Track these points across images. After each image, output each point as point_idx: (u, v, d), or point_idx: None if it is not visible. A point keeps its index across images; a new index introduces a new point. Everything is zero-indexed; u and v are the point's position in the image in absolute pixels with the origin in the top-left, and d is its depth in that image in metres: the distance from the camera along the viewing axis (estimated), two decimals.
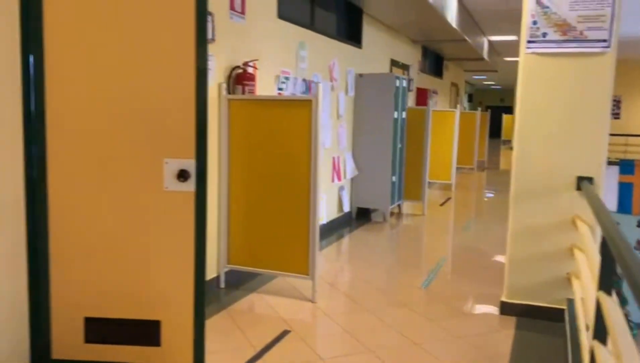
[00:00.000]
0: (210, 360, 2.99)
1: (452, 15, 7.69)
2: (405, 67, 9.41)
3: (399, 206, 7.56)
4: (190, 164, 2.62)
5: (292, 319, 3.64)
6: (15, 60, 2.52)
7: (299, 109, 3.89)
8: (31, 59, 2.54)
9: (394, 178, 6.97)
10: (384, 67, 8.23)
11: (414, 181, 7.59)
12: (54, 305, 2.70)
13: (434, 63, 12.23)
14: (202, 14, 2.53)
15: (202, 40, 2.54)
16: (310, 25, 5.69)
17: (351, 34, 6.98)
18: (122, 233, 2.66)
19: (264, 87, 4.75)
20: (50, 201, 2.63)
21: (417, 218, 7.37)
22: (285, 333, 3.42)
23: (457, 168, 11.95)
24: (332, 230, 6.39)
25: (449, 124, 9.39)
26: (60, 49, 2.55)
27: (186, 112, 2.59)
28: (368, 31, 7.39)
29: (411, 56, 9.85)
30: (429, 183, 9.79)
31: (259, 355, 3.10)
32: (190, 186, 2.63)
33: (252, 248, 4.13)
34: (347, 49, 6.65)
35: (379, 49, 7.94)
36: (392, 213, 7.49)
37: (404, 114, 7.14)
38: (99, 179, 2.63)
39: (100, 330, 2.70)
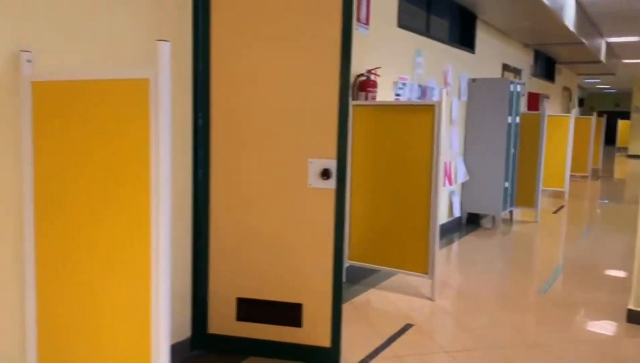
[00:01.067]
0: (342, 345, 3.24)
1: (569, 17, 7.49)
2: (517, 72, 9.25)
3: (510, 212, 7.47)
4: (332, 164, 2.89)
5: (413, 314, 3.82)
6: (186, 86, 2.92)
7: (422, 114, 4.07)
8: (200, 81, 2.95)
9: (506, 184, 6.91)
10: (496, 72, 8.17)
11: (527, 187, 7.46)
12: (211, 287, 3.08)
13: (546, 67, 11.84)
14: (347, 36, 2.80)
15: (346, 59, 2.81)
16: (426, 33, 5.85)
17: (464, 40, 7.03)
18: (271, 225, 2.99)
19: (383, 93, 4.98)
20: (211, 196, 3.02)
21: (529, 225, 7.24)
22: (408, 326, 3.60)
23: (570, 176, 11.47)
24: (443, 234, 6.47)
25: (563, 130, 9.08)
26: (223, 66, 2.93)
27: (329, 119, 2.87)
28: (481, 36, 7.40)
29: (523, 60, 9.66)
30: (542, 190, 9.51)
31: (387, 344, 3.31)
32: (331, 183, 2.90)
33: (372, 245, 4.36)
34: (460, 54, 6.72)
35: (491, 53, 7.90)
36: (502, 220, 7.42)
37: (517, 119, 7.07)
38: (253, 177, 2.98)
39: (250, 309, 3.05)
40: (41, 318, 2.21)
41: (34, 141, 2.14)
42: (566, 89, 14.21)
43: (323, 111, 2.88)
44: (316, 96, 2.87)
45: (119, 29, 2.51)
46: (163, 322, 1.85)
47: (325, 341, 2.99)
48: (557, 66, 12.71)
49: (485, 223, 7.20)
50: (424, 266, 4.15)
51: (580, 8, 8.04)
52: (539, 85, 11.04)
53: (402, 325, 3.62)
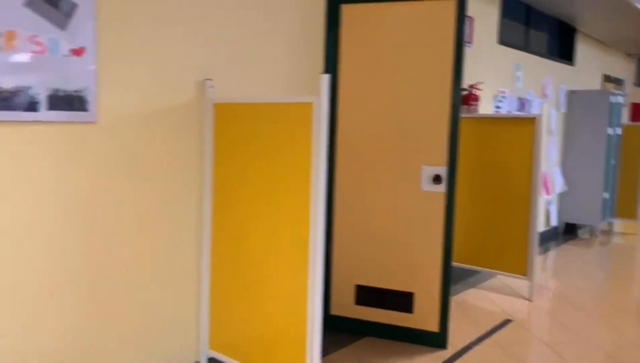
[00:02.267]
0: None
1: None
2: (618, 82, 9.12)
3: (609, 223, 7.44)
4: (442, 171, 3.31)
5: (511, 311, 4.12)
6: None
7: (523, 126, 4.38)
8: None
9: (605, 195, 6.93)
10: (595, 83, 8.15)
11: (628, 199, 7.40)
12: (334, 275, 3.59)
13: None
14: (459, 54, 3.21)
15: (457, 75, 3.23)
16: (525, 47, 6.09)
17: (563, 52, 7.15)
18: (387, 223, 3.45)
19: (483, 105, 5.30)
20: (335, 198, 3.54)
21: (630, 237, 7.18)
22: (507, 321, 3.92)
23: None
24: (539, 242, 6.62)
25: None
26: (348, 87, 3.45)
27: (441, 130, 3.29)
28: (580, 48, 7.47)
29: (625, 69, 9.48)
30: None
31: (487, 335, 3.66)
32: (442, 188, 3.32)
33: (473, 248, 4.70)
34: (559, 66, 6.86)
35: (591, 65, 7.92)
36: (602, 231, 7.40)
37: (618, 131, 7.06)
38: (372, 182, 3.46)
39: (367, 295, 3.53)
40: (213, 292, 2.82)
41: (214, 150, 2.75)
42: None
43: (436, 123, 3.31)
44: (429, 110, 3.31)
45: (275, 64, 3.09)
46: (317, 301, 2.36)
47: (434, 326, 3.41)
48: None
49: (583, 233, 7.23)
50: (523, 268, 4.43)
51: None
52: None
53: (501, 320, 3.94)
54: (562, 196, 7.13)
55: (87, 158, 2.34)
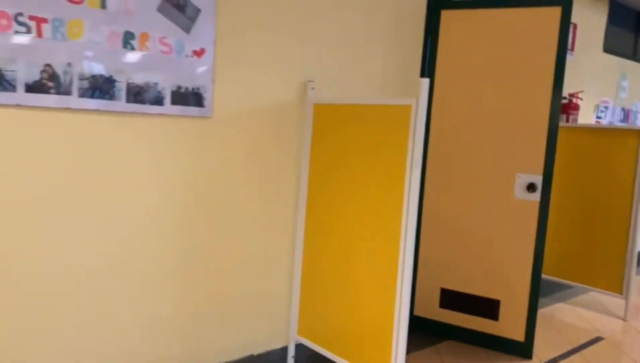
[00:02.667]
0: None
1: None
2: None
3: None
4: (538, 179, 3.27)
5: (603, 329, 3.97)
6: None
7: (626, 138, 4.20)
8: None
9: None
10: None
11: None
12: (419, 277, 3.65)
13: None
14: (560, 62, 3.17)
15: (558, 84, 3.18)
16: (633, 56, 5.79)
17: None
18: (477, 228, 3.46)
19: (584, 115, 5.12)
20: (424, 201, 3.59)
21: None
22: (598, 339, 3.78)
23: None
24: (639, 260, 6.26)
25: None
26: (442, 92, 3.49)
27: (538, 138, 3.26)
28: None
29: None
30: None
31: (575, 350, 3.56)
32: (536, 196, 3.28)
33: (564, 261, 4.56)
34: None
35: None
36: None
37: None
38: (463, 187, 3.48)
39: (452, 299, 3.55)
40: (305, 282, 2.98)
41: (311, 147, 2.91)
42: None
43: (533, 130, 3.28)
44: (527, 117, 3.28)
45: (373, 67, 3.21)
46: (405, 301, 2.45)
47: (519, 335, 3.37)
48: None
49: None
50: (619, 286, 4.25)
51: None
52: None
53: (591, 337, 3.81)
54: None
55: (202, 149, 2.58)
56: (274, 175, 2.87)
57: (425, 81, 2.33)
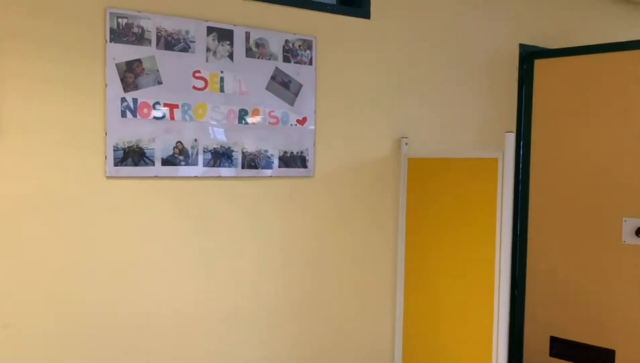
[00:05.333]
0: None
1: None
2: None
3: None
4: None
5: None
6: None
7: None
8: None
9: None
10: None
11: None
12: (527, 325, 3.61)
13: None
14: None
15: None
16: None
17: None
18: (585, 274, 3.39)
19: None
20: (529, 248, 3.59)
21: None
22: None
23: None
24: None
25: None
26: (542, 139, 3.53)
27: None
28: None
29: None
30: None
31: None
32: None
33: None
34: None
35: None
36: None
37: None
38: (569, 233, 3.45)
39: (563, 348, 3.47)
40: (406, 330, 3.12)
41: (407, 200, 3.10)
42: None
43: (637, 171, 3.20)
44: (630, 158, 3.22)
45: (466, 121, 3.37)
46: (502, 349, 2.51)
47: None
48: None
49: None
50: None
51: None
52: None
53: None
54: None
55: (306, 206, 2.88)
56: (372, 227, 3.09)
57: (511, 136, 2.46)
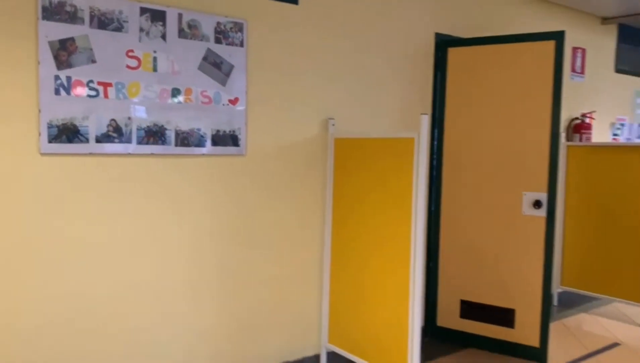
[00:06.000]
0: (550, 349, 3.83)
1: None
2: None
3: None
4: (543, 196, 3.58)
5: (622, 336, 4.17)
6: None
7: (637, 153, 4.44)
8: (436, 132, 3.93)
9: None
10: None
11: None
12: (440, 290, 3.97)
13: None
14: (557, 87, 3.50)
15: (556, 107, 3.51)
16: None
17: None
18: (490, 244, 3.78)
19: (600, 134, 5.36)
20: (441, 222, 3.94)
21: None
22: (614, 345, 4.00)
23: None
24: None
25: None
26: (453, 122, 3.87)
27: (541, 158, 3.58)
28: None
29: None
30: None
31: (590, 355, 3.79)
32: (542, 212, 3.59)
33: (586, 273, 4.77)
34: None
35: None
36: None
37: None
38: (475, 206, 3.81)
39: (471, 310, 3.85)
40: (332, 295, 3.36)
41: (334, 176, 3.32)
42: None
43: (536, 152, 3.60)
44: (530, 140, 3.61)
45: (388, 104, 3.62)
46: (417, 310, 2.81)
47: (534, 341, 3.64)
48: None
49: None
50: (637, 294, 4.44)
51: None
52: None
53: (608, 343, 4.03)
54: None
55: (238, 183, 3.03)
56: (301, 200, 3.29)
57: (425, 117, 2.72)
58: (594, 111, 5.16)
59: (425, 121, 2.72)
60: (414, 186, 2.79)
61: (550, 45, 3.54)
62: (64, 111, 2.48)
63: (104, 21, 2.56)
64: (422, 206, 2.76)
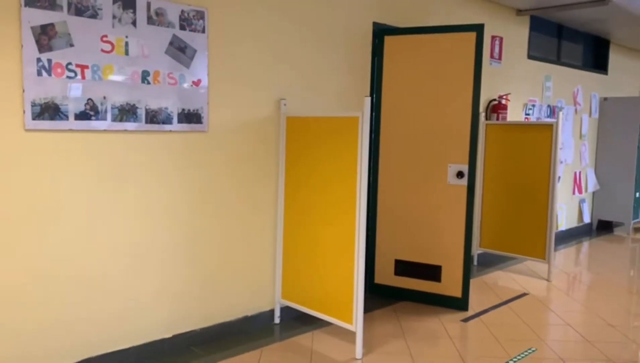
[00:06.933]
0: (470, 300, 4.45)
1: None
2: None
3: None
4: (465, 168, 4.15)
5: (529, 288, 4.88)
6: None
7: (543, 131, 5.13)
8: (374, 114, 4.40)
9: (638, 194, 7.46)
10: (633, 90, 8.64)
11: None
12: (378, 251, 4.50)
13: None
14: (477, 74, 4.06)
15: (476, 91, 4.07)
16: (557, 60, 6.77)
17: (596, 63, 7.74)
18: (420, 210, 4.32)
19: (514, 113, 6.05)
20: (379, 191, 4.44)
21: None
22: (524, 294, 4.69)
23: None
24: (572, 236, 7.26)
25: None
26: (389, 103, 4.35)
27: (464, 135, 4.13)
28: (615, 58, 8.02)
29: None
30: None
31: (503, 303, 4.45)
32: (464, 181, 4.16)
33: (500, 235, 5.47)
34: (591, 76, 7.46)
35: (626, 73, 8.42)
36: (637, 229, 7.91)
37: None
38: (409, 176, 4.34)
39: (404, 268, 4.40)
40: (285, 256, 3.79)
41: (286, 151, 3.72)
42: None
43: (459, 129, 4.15)
44: (454, 119, 4.16)
45: (327, 86, 4.04)
46: (361, 268, 3.28)
47: (457, 292, 4.24)
48: None
49: (619, 231, 7.77)
50: (542, 253, 5.17)
51: None
52: None
53: (518, 293, 4.72)
54: (595, 195, 7.71)
55: (201, 157, 3.37)
56: (258, 173, 3.67)
57: (368, 99, 3.17)
58: (509, 93, 5.83)
59: (368, 103, 3.17)
60: (359, 159, 3.24)
61: (472, 36, 4.08)
62: (46, 90, 2.72)
63: (80, 8, 2.80)
64: (365, 177, 3.22)
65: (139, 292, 3.18)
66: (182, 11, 3.21)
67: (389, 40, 4.32)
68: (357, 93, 4.30)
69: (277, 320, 3.86)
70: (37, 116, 2.70)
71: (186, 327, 3.41)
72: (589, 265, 5.81)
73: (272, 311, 3.87)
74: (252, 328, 3.74)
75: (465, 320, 4.07)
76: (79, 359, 2.98)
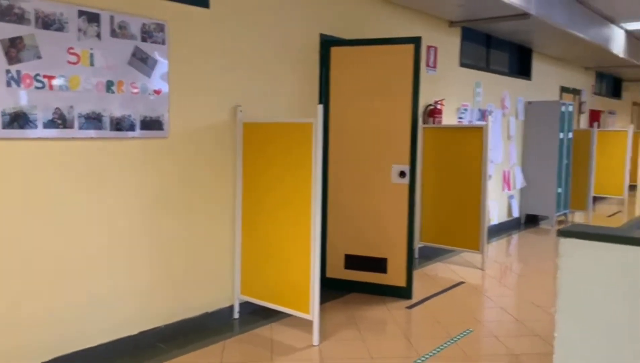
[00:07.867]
0: (413, 287, 4.83)
1: (618, 46, 8.63)
2: (576, 92, 10.38)
3: (565, 214, 8.68)
4: (406, 168, 4.53)
5: (466, 277, 5.34)
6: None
7: (474, 133, 5.61)
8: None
9: (559, 190, 8.17)
10: (553, 94, 9.41)
11: (580, 193, 8.64)
12: (328, 246, 4.80)
13: (612, 85, 12.73)
14: (416, 82, 4.44)
15: (415, 98, 4.45)
16: (486, 68, 7.34)
17: (521, 69, 8.41)
18: (367, 207, 4.67)
19: (449, 117, 6.54)
20: (329, 190, 4.75)
21: None
22: (460, 283, 5.14)
23: (632, 186, 12.26)
24: (502, 230, 7.86)
25: (622, 143, 10.10)
26: (336, 110, 4.67)
27: (405, 138, 4.51)
28: (537, 65, 8.73)
29: (583, 81, 10.75)
30: (602, 197, 10.54)
31: (443, 291, 4.87)
32: (406, 180, 4.54)
33: (439, 230, 5.91)
34: (517, 82, 8.11)
35: (547, 78, 9.18)
36: (559, 221, 8.64)
37: (570, 135, 8.32)
38: (357, 176, 4.67)
39: (353, 261, 4.73)
40: (244, 253, 4.02)
41: (243, 155, 3.96)
42: (636, 104, 14.85)
43: (401, 133, 4.53)
44: (396, 123, 4.53)
45: (279, 94, 4.31)
46: (317, 261, 3.57)
47: (402, 282, 4.62)
48: (625, 84, 13.51)
49: (544, 224, 8.46)
50: (477, 245, 5.65)
51: (630, 35, 9.12)
52: (603, 103, 12.00)
53: (456, 282, 5.16)
54: (522, 191, 8.37)
55: (162, 161, 3.55)
56: (216, 176, 3.89)
57: (321, 106, 3.47)
58: (443, 99, 6.30)
59: (321, 110, 3.47)
60: (312, 162, 3.53)
61: (410, 47, 4.46)
62: (15, 100, 2.85)
63: (47, 22, 2.94)
64: (319, 177, 3.52)
65: (105, 291, 3.33)
66: (144, 24, 3.39)
67: (335, 51, 4.64)
68: (308, 100, 4.59)
69: (236, 315, 4.08)
70: (7, 125, 2.82)
71: (151, 324, 3.58)
72: (518, 255, 6.37)
73: (231, 307, 4.09)
74: (214, 324, 3.95)
75: (410, 307, 4.44)
76: (48, 358, 3.10)
